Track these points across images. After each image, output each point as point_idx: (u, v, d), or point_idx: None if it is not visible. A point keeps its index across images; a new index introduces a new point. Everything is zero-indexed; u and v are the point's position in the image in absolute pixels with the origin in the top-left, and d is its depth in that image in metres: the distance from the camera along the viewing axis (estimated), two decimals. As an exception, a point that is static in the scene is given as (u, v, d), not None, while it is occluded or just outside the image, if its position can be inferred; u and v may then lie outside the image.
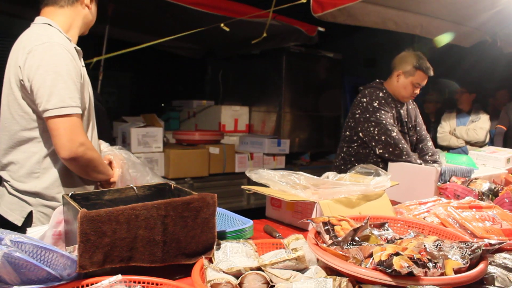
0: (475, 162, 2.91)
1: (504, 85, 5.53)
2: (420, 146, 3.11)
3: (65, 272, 1.09)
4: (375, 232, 1.33)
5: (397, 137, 2.78)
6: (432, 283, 0.99)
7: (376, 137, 2.81)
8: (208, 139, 4.86)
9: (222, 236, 1.44)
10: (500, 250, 1.30)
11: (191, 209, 1.24)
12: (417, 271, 0.99)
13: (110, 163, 1.94)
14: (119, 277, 1.05)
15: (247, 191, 1.96)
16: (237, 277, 1.12)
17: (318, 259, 1.20)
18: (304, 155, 5.99)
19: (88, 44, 4.21)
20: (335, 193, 1.80)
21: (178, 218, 1.22)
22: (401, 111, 3.00)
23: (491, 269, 1.19)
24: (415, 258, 1.02)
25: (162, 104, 7.07)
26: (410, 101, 3.10)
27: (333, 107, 6.33)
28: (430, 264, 1.03)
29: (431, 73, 2.91)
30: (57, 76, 1.64)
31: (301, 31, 4.54)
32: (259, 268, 1.14)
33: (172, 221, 1.21)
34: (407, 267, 0.98)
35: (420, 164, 2.76)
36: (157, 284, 1.09)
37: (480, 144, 4.87)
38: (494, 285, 1.14)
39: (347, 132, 3.01)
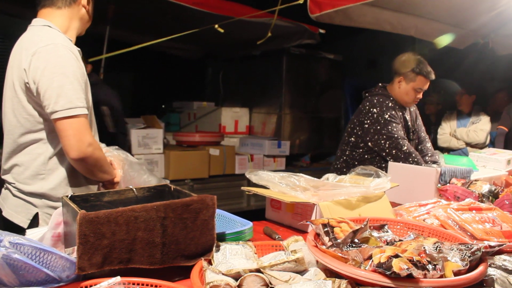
0: (475, 164, 2.91)
1: (503, 86, 5.53)
2: (420, 147, 3.11)
3: (64, 274, 1.09)
4: (375, 234, 1.33)
5: (407, 150, 2.78)
6: (432, 285, 0.99)
7: (387, 150, 2.81)
8: (208, 141, 4.86)
9: (222, 238, 1.44)
10: (500, 252, 1.30)
11: (191, 210, 1.24)
12: (417, 273, 0.99)
13: (110, 164, 1.95)
14: (118, 279, 1.05)
15: (246, 192, 1.96)
16: (236, 279, 1.12)
17: (317, 261, 1.20)
18: (304, 156, 5.98)
19: (88, 45, 4.23)
20: (335, 195, 1.80)
21: (178, 220, 1.22)
22: (406, 117, 3.00)
23: (491, 271, 1.19)
24: (415, 260, 1.02)
25: (163, 106, 7.08)
26: None
27: (334, 108, 6.34)
28: (430, 266, 1.03)
29: (433, 76, 2.90)
30: (63, 78, 1.65)
31: (306, 28, 4.54)
32: (258, 270, 1.14)
33: (171, 223, 1.21)
34: (407, 269, 0.98)
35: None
36: (156, 286, 1.09)
37: (480, 146, 4.86)
38: (494, 287, 1.14)
39: (352, 138, 2.98)
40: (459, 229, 1.52)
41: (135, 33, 5.15)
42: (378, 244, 1.25)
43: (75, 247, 1.10)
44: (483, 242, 1.25)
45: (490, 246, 1.19)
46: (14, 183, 1.82)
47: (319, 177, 2.07)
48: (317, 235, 1.27)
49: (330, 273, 1.14)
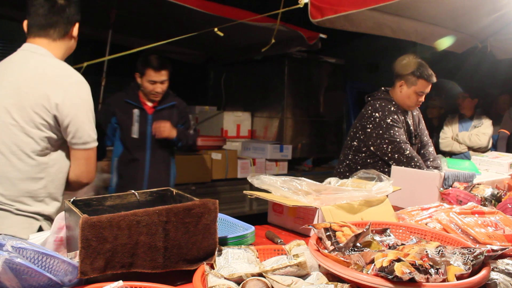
0: (477, 168, 2.90)
1: (506, 90, 5.53)
2: (422, 151, 3.10)
3: (67, 278, 1.09)
4: (377, 238, 1.33)
5: (410, 155, 2.78)
6: (434, 290, 0.98)
7: (389, 155, 2.81)
8: (211, 145, 4.86)
9: (224, 242, 1.44)
10: (502, 256, 1.30)
11: (193, 215, 1.24)
12: (419, 277, 0.99)
13: None
14: (120, 283, 1.05)
15: (249, 196, 1.96)
16: (238, 283, 1.12)
17: (319, 265, 1.20)
18: (306, 160, 5.98)
19: (91, 49, 4.25)
20: (337, 199, 1.80)
21: (180, 224, 1.22)
22: (409, 121, 3.00)
23: (494, 275, 1.19)
24: (417, 264, 1.02)
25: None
26: None
27: (336, 112, 6.34)
28: (432, 270, 1.03)
29: (434, 79, 2.90)
30: (91, 113, 1.87)
31: (303, 37, 4.55)
32: (260, 274, 1.14)
33: (173, 227, 1.21)
34: (409, 273, 0.98)
35: None
36: (158, 290, 1.09)
37: (483, 150, 4.85)
38: (497, 292, 1.13)
39: (355, 142, 2.98)
40: (462, 233, 1.52)
41: (137, 38, 5.17)
42: (380, 248, 1.25)
43: (78, 251, 1.10)
44: (486, 246, 1.25)
45: (493, 250, 1.19)
46: (13, 205, 1.82)
47: (322, 181, 2.07)
48: (319, 239, 1.27)
49: (332, 277, 1.13)
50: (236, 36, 4.26)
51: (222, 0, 4.21)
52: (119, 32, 4.77)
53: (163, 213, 1.19)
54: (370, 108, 2.92)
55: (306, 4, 3.03)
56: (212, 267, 1.24)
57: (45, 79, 1.78)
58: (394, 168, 2.58)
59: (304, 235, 1.78)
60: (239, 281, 1.12)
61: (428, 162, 3.00)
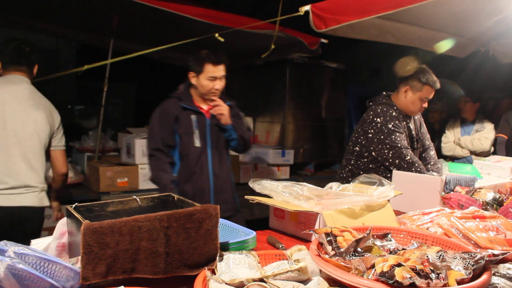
0: (479, 172, 2.90)
1: (509, 93, 5.52)
2: (423, 155, 3.10)
3: (68, 284, 1.09)
4: (378, 243, 1.33)
5: (410, 160, 2.78)
6: (435, 294, 0.98)
7: (390, 160, 2.81)
8: (213, 150, 4.85)
9: (225, 247, 1.44)
10: (504, 261, 1.29)
11: (194, 220, 1.24)
12: (420, 282, 0.99)
13: None
14: (121, 288, 1.06)
15: (250, 201, 1.96)
16: (239, 289, 1.12)
17: (320, 270, 1.20)
18: (308, 165, 5.98)
19: (93, 56, 4.27)
20: (338, 204, 1.80)
21: (181, 230, 1.22)
22: (411, 126, 3.00)
23: (495, 279, 1.19)
24: (418, 269, 1.02)
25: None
26: None
27: (337, 117, 6.34)
28: (433, 275, 1.03)
29: (438, 85, 2.91)
30: None
31: (303, 43, 4.56)
32: (261, 280, 1.14)
33: (174, 232, 1.21)
34: (409, 278, 0.98)
35: None
36: (159, 296, 1.09)
37: (485, 154, 4.84)
38: (498, 296, 1.13)
39: (357, 148, 2.98)
40: (463, 237, 1.52)
41: (139, 44, 5.19)
42: (381, 253, 1.25)
43: (79, 257, 1.11)
44: (487, 251, 1.25)
45: (494, 255, 1.19)
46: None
47: (324, 185, 2.07)
48: (320, 244, 1.28)
49: (333, 282, 1.14)
50: (237, 42, 4.27)
51: (223, 7, 4.23)
52: (121, 38, 4.79)
53: (165, 218, 1.20)
54: (371, 113, 2.92)
55: (306, 12, 3.05)
56: (213, 272, 1.24)
57: (47, 108, 2.85)
58: (396, 173, 2.58)
59: (305, 240, 1.78)
60: (240, 286, 1.12)
61: (429, 166, 3.00)
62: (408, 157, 2.78)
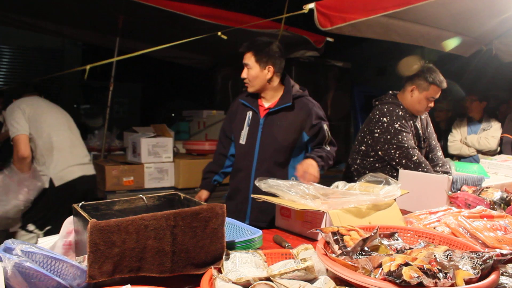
0: (486, 171, 2.88)
1: None
2: (430, 156, 3.08)
3: (75, 282, 1.09)
4: (385, 242, 1.32)
5: (417, 160, 2.76)
6: (443, 294, 0.98)
7: (397, 160, 2.80)
8: (218, 149, 4.85)
9: (231, 246, 1.44)
10: (512, 260, 1.28)
11: (200, 219, 1.24)
12: (427, 281, 0.98)
13: None
14: (128, 287, 1.06)
15: (256, 200, 1.96)
16: (246, 288, 1.12)
17: (327, 269, 1.19)
18: (314, 164, 5.96)
19: (99, 56, 4.29)
20: (345, 203, 1.79)
21: (187, 228, 1.22)
22: (417, 125, 2.98)
23: (503, 279, 1.18)
24: (425, 269, 1.01)
25: (172, 114, 7.10)
26: None
27: (343, 116, 6.32)
28: (441, 275, 1.02)
29: (445, 85, 2.88)
30: None
31: (309, 41, 4.56)
32: (268, 279, 1.14)
33: (181, 231, 1.21)
34: (417, 277, 0.97)
35: None
36: (166, 294, 1.09)
37: (492, 153, 4.81)
38: (506, 296, 1.12)
39: (363, 147, 2.97)
40: (470, 237, 1.51)
41: (145, 43, 5.21)
42: (388, 252, 1.24)
43: (86, 256, 1.11)
44: (495, 250, 1.24)
45: (502, 254, 1.18)
46: None
47: (329, 184, 2.07)
48: (327, 243, 1.27)
49: (340, 282, 1.13)
50: (242, 41, 4.26)
51: (229, 6, 4.23)
52: (126, 38, 4.80)
53: (171, 217, 1.20)
54: (378, 112, 2.91)
55: (311, 10, 3.03)
56: (219, 271, 1.24)
57: None
58: (402, 172, 2.57)
59: (312, 239, 1.77)
60: (246, 285, 1.12)
61: (438, 168, 2.97)
62: (415, 157, 2.76)
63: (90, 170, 3.67)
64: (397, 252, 1.26)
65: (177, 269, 1.21)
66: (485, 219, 1.65)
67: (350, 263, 1.12)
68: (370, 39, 3.90)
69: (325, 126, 2.65)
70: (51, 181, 3.40)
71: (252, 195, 2.29)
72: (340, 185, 2.11)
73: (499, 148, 4.90)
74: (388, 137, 2.81)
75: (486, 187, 2.27)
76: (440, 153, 3.11)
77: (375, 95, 3.12)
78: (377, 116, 2.89)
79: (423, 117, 3.09)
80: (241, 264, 1.26)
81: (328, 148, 2.60)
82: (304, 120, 2.58)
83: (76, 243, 1.37)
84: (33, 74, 7.70)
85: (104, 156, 4.64)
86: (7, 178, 3.35)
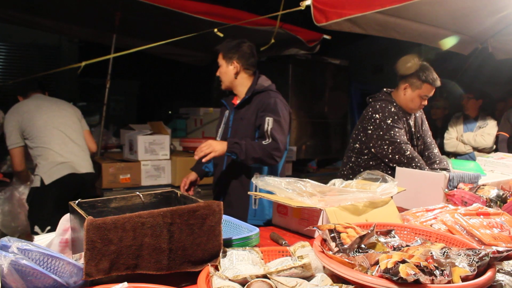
0: (483, 169, 2.89)
1: (510, 91, 5.50)
2: (427, 154, 3.08)
3: (72, 280, 1.09)
4: (382, 239, 1.33)
5: (410, 155, 2.76)
6: (439, 291, 0.98)
7: (390, 156, 2.79)
8: (215, 146, 4.85)
9: (228, 243, 1.44)
10: (508, 258, 1.29)
11: (197, 216, 1.24)
12: (424, 278, 0.99)
13: None
14: (125, 284, 1.05)
15: (253, 197, 1.95)
16: (243, 285, 1.12)
17: (324, 267, 1.20)
18: (311, 162, 5.97)
19: (95, 53, 4.27)
20: (342, 200, 1.80)
21: (184, 226, 1.22)
22: (410, 122, 2.98)
23: (499, 276, 1.18)
24: (422, 266, 1.02)
25: (169, 112, 7.09)
26: None
27: (340, 114, 6.33)
28: (437, 272, 1.02)
29: (438, 83, 2.87)
30: None
31: (302, 41, 4.55)
32: (265, 276, 1.14)
33: (178, 228, 1.21)
34: (414, 274, 0.98)
35: None
36: (163, 292, 1.09)
37: (487, 150, 4.82)
38: (502, 293, 1.13)
39: (357, 145, 2.97)
40: (467, 234, 1.52)
41: (142, 40, 5.19)
42: (385, 249, 1.25)
43: (83, 253, 1.11)
44: (491, 248, 1.25)
45: (498, 252, 1.19)
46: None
47: (326, 182, 2.07)
48: (324, 241, 1.27)
49: (337, 279, 1.13)
50: (239, 38, 4.26)
51: (225, 2, 4.22)
52: (123, 35, 4.78)
53: (168, 214, 1.20)
54: (370, 109, 2.91)
55: (308, 6, 3.03)
56: (216, 268, 1.24)
57: None
58: (399, 169, 2.57)
59: (309, 237, 1.78)
60: (243, 282, 1.12)
61: (435, 165, 2.97)
62: (408, 152, 2.76)
63: (83, 168, 3.57)
64: (394, 249, 1.27)
65: (174, 266, 1.21)
66: (481, 216, 1.66)
67: (347, 260, 1.12)
68: (368, 37, 3.90)
69: (270, 120, 2.53)
70: (41, 180, 3.39)
71: (249, 192, 2.30)
72: (337, 182, 2.12)
73: (494, 146, 4.92)
74: (381, 133, 2.81)
75: (483, 185, 2.28)
76: (436, 150, 3.11)
77: (372, 93, 3.12)
78: (370, 113, 2.89)
79: (417, 114, 3.09)
80: (238, 262, 1.26)
81: (264, 142, 2.48)
82: (257, 113, 2.61)
83: (72, 240, 1.36)
84: (29, 71, 7.67)
85: (101, 154, 4.63)
86: (9, 203, 3.66)
